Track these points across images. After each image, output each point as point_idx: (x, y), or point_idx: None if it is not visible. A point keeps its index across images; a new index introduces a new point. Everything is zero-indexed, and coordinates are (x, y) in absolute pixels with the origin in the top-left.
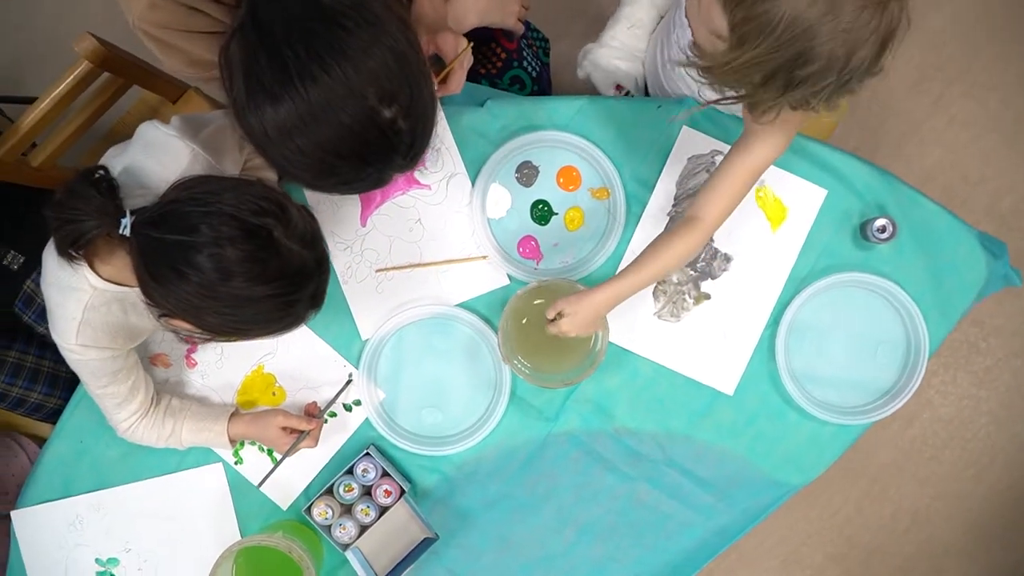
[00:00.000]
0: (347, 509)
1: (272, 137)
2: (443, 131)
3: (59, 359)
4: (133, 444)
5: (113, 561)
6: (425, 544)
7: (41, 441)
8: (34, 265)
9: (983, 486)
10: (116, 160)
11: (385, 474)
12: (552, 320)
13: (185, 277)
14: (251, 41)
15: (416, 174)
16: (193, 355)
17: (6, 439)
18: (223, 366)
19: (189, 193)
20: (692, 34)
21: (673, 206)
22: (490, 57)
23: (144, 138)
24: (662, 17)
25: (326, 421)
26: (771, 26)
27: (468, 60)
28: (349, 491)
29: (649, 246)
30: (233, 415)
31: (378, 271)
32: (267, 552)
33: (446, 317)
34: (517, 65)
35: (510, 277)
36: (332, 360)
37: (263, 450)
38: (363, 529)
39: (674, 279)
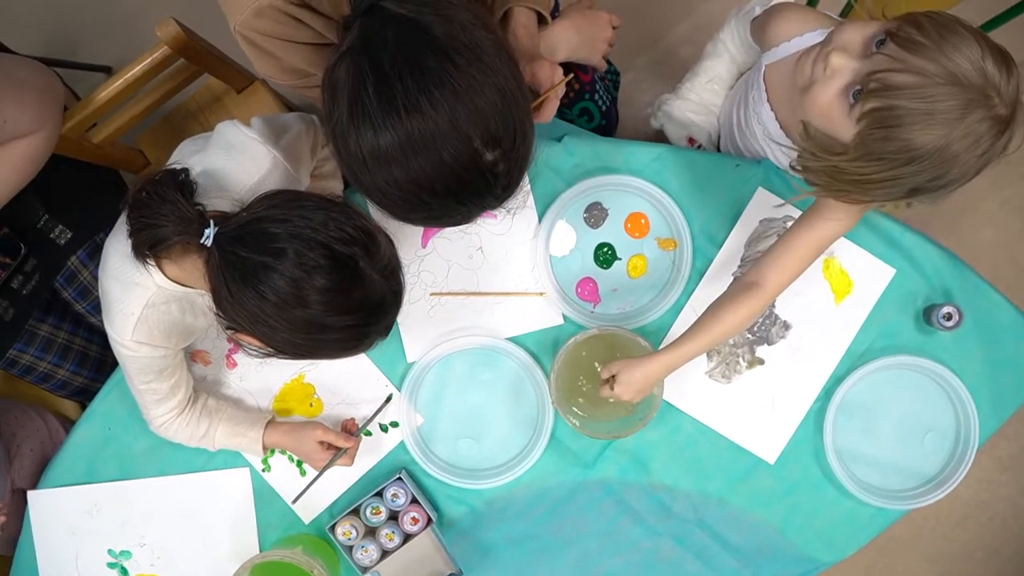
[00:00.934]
0: (371, 532)
1: (368, 164)
2: None
3: (91, 338)
4: (162, 439)
5: (126, 554)
6: None
7: (63, 418)
8: (80, 242)
9: (991, 570)
10: (195, 159)
11: (414, 501)
12: (606, 381)
13: (264, 297)
14: (360, 66)
15: None
16: (234, 356)
17: (31, 411)
18: (263, 370)
19: (278, 212)
20: (774, 113)
21: (739, 266)
22: None
23: (224, 139)
24: (742, 73)
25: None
26: (919, 154)
27: (561, 90)
28: (376, 514)
29: (707, 312)
30: (270, 423)
31: (432, 295)
32: (286, 568)
33: (495, 349)
34: (588, 97)
35: (565, 317)
36: (374, 379)
37: (292, 460)
38: (384, 554)
39: (730, 341)
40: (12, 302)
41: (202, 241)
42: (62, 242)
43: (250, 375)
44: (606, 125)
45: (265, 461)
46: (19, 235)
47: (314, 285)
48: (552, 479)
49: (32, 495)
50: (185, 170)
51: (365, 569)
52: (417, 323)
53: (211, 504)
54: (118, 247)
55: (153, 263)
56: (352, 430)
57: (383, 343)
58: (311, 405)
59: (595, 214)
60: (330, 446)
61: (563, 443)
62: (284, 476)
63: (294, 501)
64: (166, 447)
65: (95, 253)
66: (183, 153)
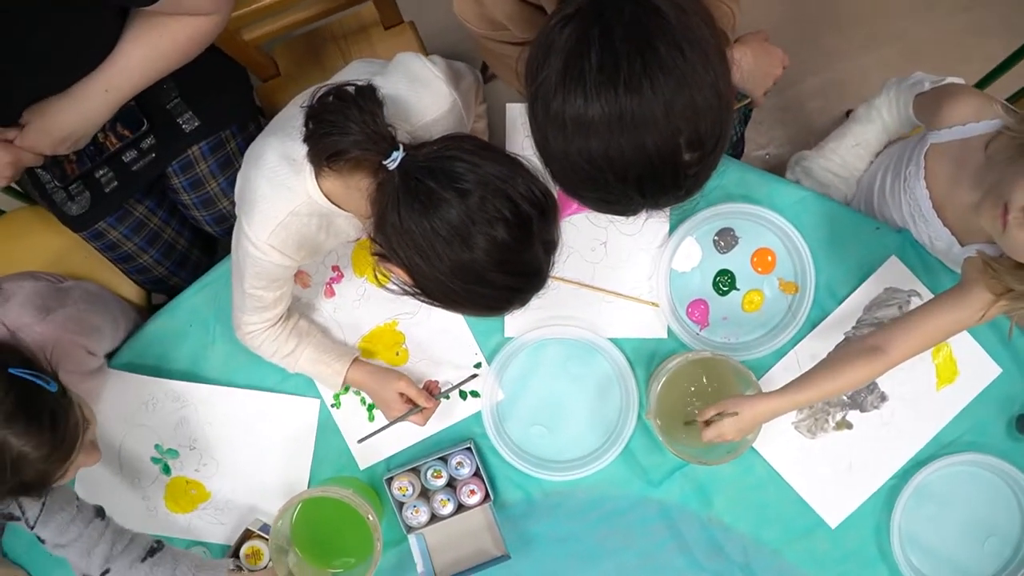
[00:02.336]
0: (426, 494)
1: (567, 129)
2: None
3: (181, 231)
4: (237, 348)
5: (172, 452)
6: (496, 561)
7: (131, 304)
8: (205, 134)
9: None
10: (375, 82)
11: (476, 474)
12: (706, 421)
13: (436, 232)
14: (588, 32)
15: None
16: (335, 285)
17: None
18: (359, 307)
19: (468, 156)
20: (928, 191)
21: (853, 327)
22: None
23: (409, 69)
24: (891, 141)
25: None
26: None
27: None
28: (437, 477)
29: (823, 365)
30: (355, 360)
31: None
32: (338, 506)
33: (593, 345)
34: None
35: (670, 332)
36: (467, 345)
37: (363, 403)
38: (434, 518)
39: None
40: (117, 174)
41: (385, 162)
42: (188, 129)
43: (345, 307)
44: (731, 155)
45: (336, 397)
46: (145, 112)
47: (491, 235)
48: (615, 488)
49: None
50: (377, 88)
51: (411, 529)
52: None
53: (272, 426)
54: (277, 147)
55: (312, 170)
56: (434, 392)
57: None
58: (397, 354)
59: (726, 239)
60: (409, 400)
61: (635, 456)
62: (352, 417)
63: (360, 441)
64: (242, 357)
65: (217, 149)
66: (358, 72)
